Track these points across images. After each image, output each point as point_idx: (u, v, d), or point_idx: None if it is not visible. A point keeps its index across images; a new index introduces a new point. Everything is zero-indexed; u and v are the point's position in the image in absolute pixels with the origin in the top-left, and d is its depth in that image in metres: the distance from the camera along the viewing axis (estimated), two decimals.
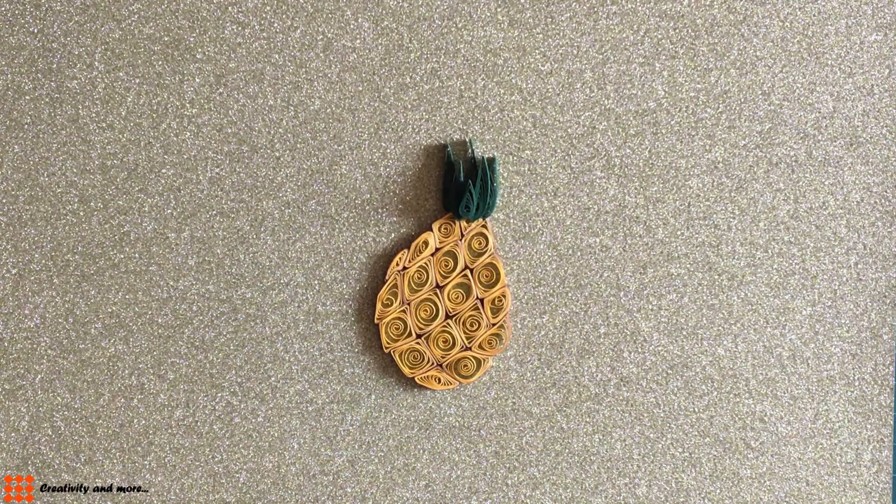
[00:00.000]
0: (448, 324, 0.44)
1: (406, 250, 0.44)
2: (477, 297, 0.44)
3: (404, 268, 0.43)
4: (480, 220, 0.45)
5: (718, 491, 0.50)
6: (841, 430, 0.51)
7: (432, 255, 0.43)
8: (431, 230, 0.44)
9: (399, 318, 0.44)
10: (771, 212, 0.50)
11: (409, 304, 0.43)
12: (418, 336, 0.44)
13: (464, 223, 0.44)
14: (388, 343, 0.45)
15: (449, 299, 0.44)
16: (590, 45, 0.49)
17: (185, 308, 0.49)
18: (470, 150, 0.45)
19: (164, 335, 0.49)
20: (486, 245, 0.44)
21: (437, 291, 0.44)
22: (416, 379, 0.45)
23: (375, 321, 0.44)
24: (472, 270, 0.44)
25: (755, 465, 0.50)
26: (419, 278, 0.43)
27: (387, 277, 0.44)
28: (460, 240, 0.44)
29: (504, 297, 0.45)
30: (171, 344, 0.49)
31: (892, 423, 0.50)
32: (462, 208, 0.43)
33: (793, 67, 0.50)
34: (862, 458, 0.51)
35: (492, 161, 0.44)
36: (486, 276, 0.45)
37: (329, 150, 0.49)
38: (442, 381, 0.44)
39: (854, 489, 0.51)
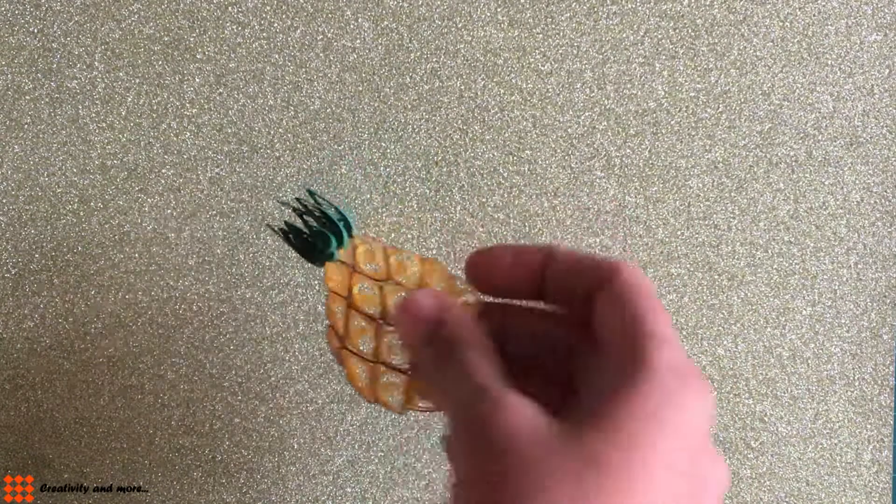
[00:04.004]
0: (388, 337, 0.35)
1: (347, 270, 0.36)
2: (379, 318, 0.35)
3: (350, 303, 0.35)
4: (344, 248, 0.37)
5: None
6: (841, 430, 0.51)
7: (347, 307, 0.35)
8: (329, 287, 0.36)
9: (356, 361, 0.35)
10: (771, 212, 0.50)
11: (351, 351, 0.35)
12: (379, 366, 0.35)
13: (341, 262, 0.37)
14: (366, 394, 0.35)
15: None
16: (590, 45, 0.49)
17: (185, 308, 0.49)
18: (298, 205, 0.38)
19: (164, 335, 0.49)
20: (375, 259, 0.36)
21: (373, 323, 0.35)
22: (408, 408, 0.35)
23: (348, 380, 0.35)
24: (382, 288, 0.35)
25: (755, 465, 0.50)
26: (354, 327, 0.35)
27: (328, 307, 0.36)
28: (352, 273, 0.36)
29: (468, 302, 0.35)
30: (171, 344, 0.49)
31: (892, 423, 0.50)
32: (327, 252, 0.36)
33: (793, 67, 0.50)
34: (862, 458, 0.51)
35: (311, 193, 0.39)
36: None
37: (329, 150, 0.49)
38: (420, 396, 0.35)
39: (854, 489, 0.51)
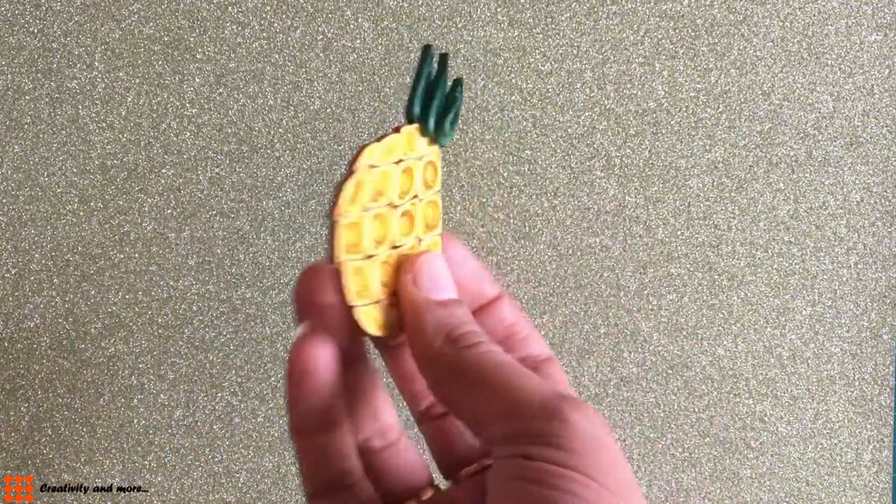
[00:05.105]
0: (390, 256, 0.32)
1: (377, 143, 0.32)
2: (418, 237, 0.33)
3: (373, 166, 0.31)
4: (437, 147, 0.34)
5: (718, 491, 0.50)
6: (841, 430, 0.51)
7: (396, 163, 0.32)
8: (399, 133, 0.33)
9: (358, 226, 0.32)
10: (771, 212, 0.50)
11: (368, 211, 0.31)
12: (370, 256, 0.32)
13: (426, 143, 0.34)
14: (339, 252, 0.31)
15: (397, 226, 0.33)
16: (590, 45, 0.49)
17: (185, 308, 0.49)
18: (438, 61, 0.34)
19: (164, 335, 0.49)
20: (436, 180, 0.34)
21: (393, 210, 0.32)
22: (355, 310, 0.31)
23: (334, 218, 0.31)
24: (420, 202, 0.33)
25: (755, 465, 0.50)
26: (381, 186, 0.32)
27: (353, 168, 0.31)
28: (419, 160, 0.33)
29: (436, 245, 0.34)
30: (171, 344, 0.49)
31: (892, 423, 0.50)
32: (441, 120, 0.33)
33: (793, 67, 0.50)
34: (862, 458, 0.51)
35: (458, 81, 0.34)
36: (430, 216, 0.34)
37: (329, 150, 0.49)
38: (376, 322, 0.32)
39: (854, 489, 0.51)
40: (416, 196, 0.33)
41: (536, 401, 0.25)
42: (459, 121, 0.35)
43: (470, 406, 0.26)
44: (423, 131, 0.33)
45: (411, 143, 0.33)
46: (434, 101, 0.33)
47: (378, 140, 0.32)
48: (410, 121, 0.33)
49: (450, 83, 0.34)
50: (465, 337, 0.28)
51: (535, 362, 0.32)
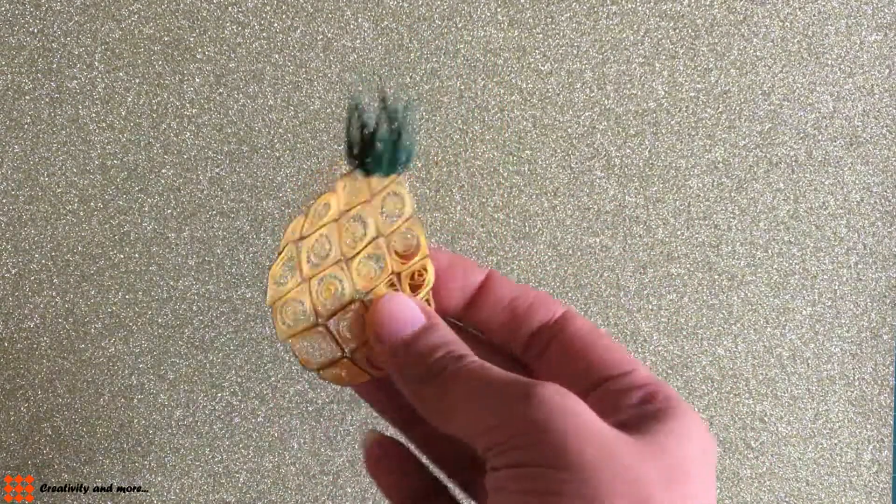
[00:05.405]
0: (354, 304, 0.34)
1: (303, 216, 0.33)
2: (392, 272, 0.34)
3: (302, 237, 0.33)
4: (394, 176, 0.34)
5: (718, 491, 0.50)
6: (841, 430, 0.51)
7: (335, 220, 0.33)
8: (334, 191, 0.34)
9: (297, 300, 0.33)
10: (771, 212, 0.50)
11: (308, 281, 0.33)
12: (321, 320, 0.34)
13: (374, 182, 0.34)
14: (284, 331, 0.34)
15: (359, 274, 0.34)
16: (590, 45, 0.49)
17: (185, 308, 0.49)
18: (383, 98, 0.34)
19: (164, 335, 0.49)
20: (403, 207, 0.34)
21: (344, 265, 0.33)
22: (321, 374, 0.35)
23: (267, 305, 0.34)
24: (385, 238, 0.34)
25: (755, 465, 0.50)
26: (321, 249, 0.33)
27: (280, 248, 0.33)
28: (369, 201, 0.34)
29: (425, 270, 0.34)
30: (171, 344, 0.49)
31: (892, 423, 0.50)
32: (370, 160, 0.33)
33: (793, 67, 0.50)
34: (862, 458, 0.51)
35: (406, 105, 0.33)
36: (404, 246, 0.34)
37: (329, 150, 0.49)
38: (349, 373, 0.34)
39: (854, 489, 0.51)
40: (378, 235, 0.34)
41: (502, 408, 0.25)
42: (411, 144, 0.34)
43: (456, 427, 0.27)
44: (366, 172, 0.34)
45: (354, 190, 0.34)
46: (359, 141, 0.34)
47: (304, 214, 0.33)
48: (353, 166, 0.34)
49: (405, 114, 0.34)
50: (435, 365, 0.29)
51: (552, 330, 0.32)
